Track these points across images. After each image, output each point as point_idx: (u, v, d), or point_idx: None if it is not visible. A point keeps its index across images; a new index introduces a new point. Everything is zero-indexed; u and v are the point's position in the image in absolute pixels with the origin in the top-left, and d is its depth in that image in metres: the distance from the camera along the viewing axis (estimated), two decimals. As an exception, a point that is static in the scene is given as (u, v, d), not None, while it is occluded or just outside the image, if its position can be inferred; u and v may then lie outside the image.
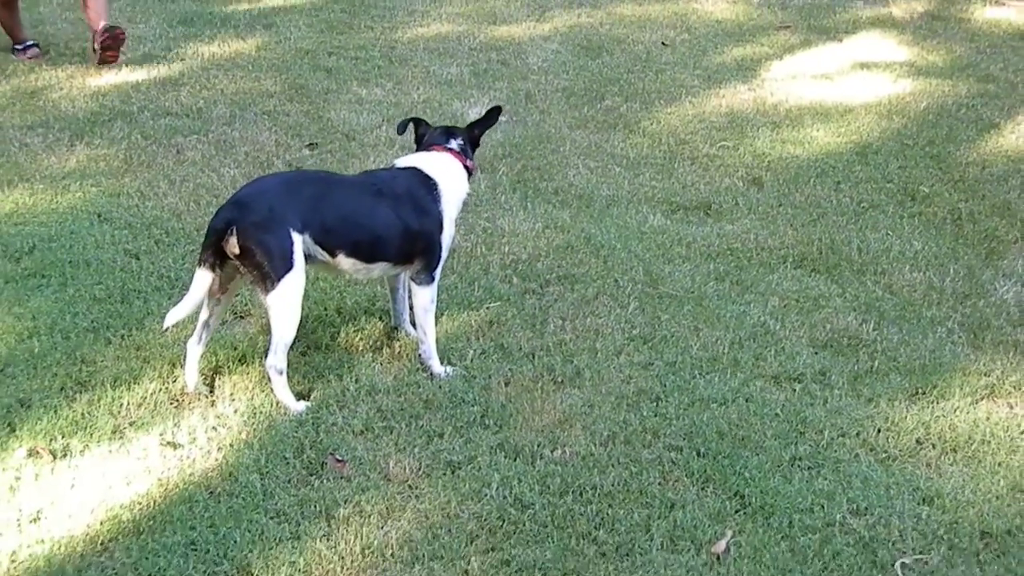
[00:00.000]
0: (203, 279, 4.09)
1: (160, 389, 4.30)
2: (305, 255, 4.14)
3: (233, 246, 4.01)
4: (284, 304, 4.09)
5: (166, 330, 4.30)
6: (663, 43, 8.53)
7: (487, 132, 4.77)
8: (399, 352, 4.58)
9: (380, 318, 4.78)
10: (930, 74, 8.03)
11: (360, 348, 4.60)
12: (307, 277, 4.15)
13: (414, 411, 4.21)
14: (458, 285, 5.06)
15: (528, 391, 4.34)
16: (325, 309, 4.83)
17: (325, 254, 4.25)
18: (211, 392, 4.30)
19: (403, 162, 4.53)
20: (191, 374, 4.30)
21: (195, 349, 4.30)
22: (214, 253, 4.08)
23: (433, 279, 4.39)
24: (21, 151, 6.35)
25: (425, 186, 4.39)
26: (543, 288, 5.08)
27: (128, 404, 4.20)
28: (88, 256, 5.23)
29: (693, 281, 5.17)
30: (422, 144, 4.63)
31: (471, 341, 4.65)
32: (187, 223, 5.56)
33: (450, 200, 4.40)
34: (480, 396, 4.29)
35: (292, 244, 4.07)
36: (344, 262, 4.32)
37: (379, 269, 4.40)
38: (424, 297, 4.39)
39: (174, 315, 4.13)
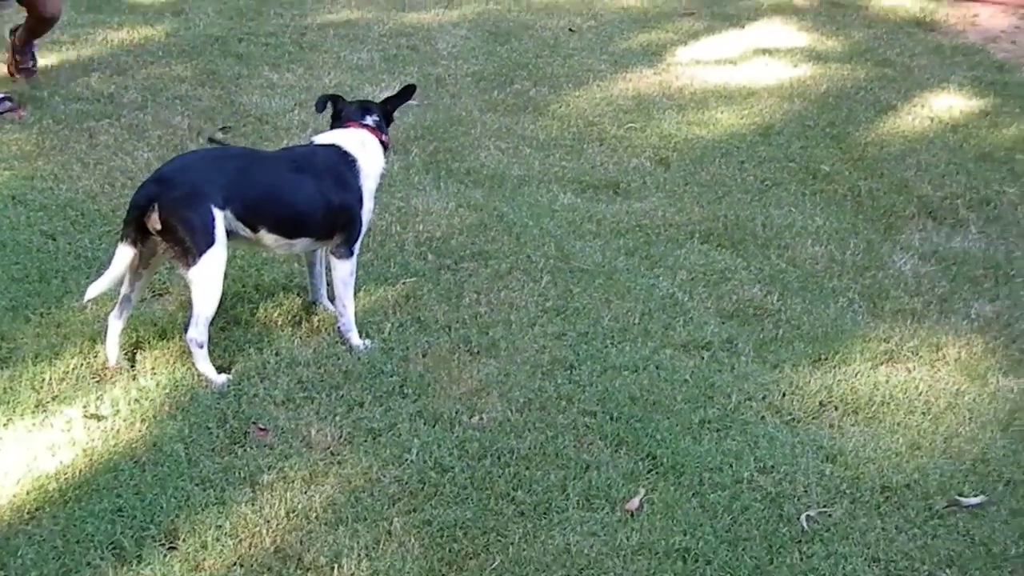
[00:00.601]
0: (124, 254, 4.14)
1: (81, 364, 4.34)
2: (227, 231, 4.21)
3: (155, 222, 4.07)
4: (205, 279, 4.16)
5: (86, 304, 4.37)
6: (570, 29, 8.67)
7: (400, 110, 4.86)
8: (317, 327, 4.66)
9: (298, 294, 4.86)
10: (829, 59, 8.25)
11: (279, 323, 4.67)
12: (228, 253, 4.21)
13: (334, 382, 4.30)
14: (374, 262, 5.15)
15: (445, 361, 4.45)
16: (243, 286, 4.90)
17: (247, 230, 4.33)
18: (132, 366, 4.35)
19: (322, 139, 4.61)
20: (112, 348, 4.35)
21: (116, 324, 4.35)
22: (136, 229, 4.13)
23: (352, 253, 4.49)
24: (-69, 136, 6.33)
25: (345, 162, 4.48)
26: (457, 264, 5.18)
27: (50, 379, 4.24)
28: (4, 238, 5.24)
29: (603, 256, 5.31)
30: (340, 120, 4.72)
31: (388, 315, 4.74)
32: (102, 204, 5.59)
33: (369, 175, 4.50)
34: (399, 367, 4.39)
35: (214, 220, 4.14)
36: (267, 237, 4.40)
37: (301, 244, 4.48)
38: (344, 270, 4.49)
39: (94, 289, 4.18)
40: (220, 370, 4.32)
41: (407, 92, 4.80)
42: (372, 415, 4.12)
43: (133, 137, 6.42)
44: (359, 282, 4.76)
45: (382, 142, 4.62)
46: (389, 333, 4.62)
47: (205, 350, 4.28)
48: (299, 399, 4.20)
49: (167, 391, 4.20)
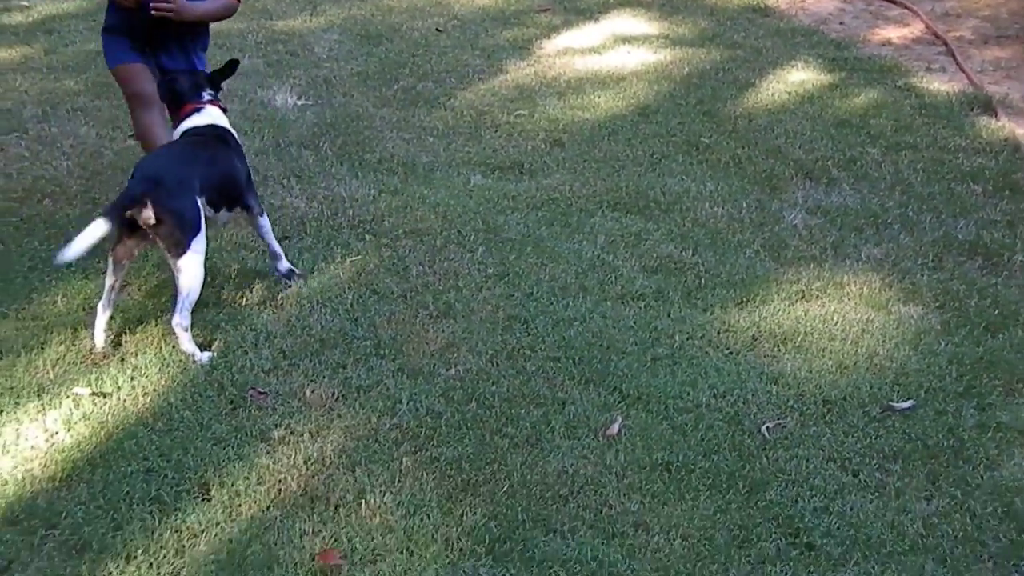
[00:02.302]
0: (99, 227, 4.21)
1: (70, 350, 4.60)
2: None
3: (149, 217, 4.36)
4: (194, 265, 4.48)
5: (63, 264, 4.65)
6: (437, 29, 9.06)
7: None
8: (281, 303, 4.98)
9: (256, 276, 5.17)
10: (684, 44, 8.81)
11: (246, 302, 4.98)
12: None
13: (312, 349, 4.64)
14: (316, 246, 5.49)
15: (410, 324, 4.83)
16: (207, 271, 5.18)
17: (211, 211, 4.68)
18: (117, 348, 4.63)
19: (202, 120, 4.97)
20: (99, 334, 4.63)
21: (103, 312, 4.63)
22: (122, 223, 4.41)
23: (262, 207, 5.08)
24: None
25: (231, 136, 5.01)
26: (395, 242, 5.55)
27: (43, 365, 4.50)
28: (-49, 246, 5.43)
29: (527, 227, 5.73)
30: (183, 99, 5.04)
31: (345, 290, 5.09)
32: (40, 209, 5.81)
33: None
34: (368, 332, 4.76)
35: (199, 210, 4.48)
36: (223, 216, 4.80)
37: (233, 216, 4.99)
38: (267, 221, 5.07)
39: (68, 253, 4.17)
40: (202, 348, 4.62)
41: (232, 66, 5.21)
42: (357, 374, 4.48)
43: (45, 148, 6.62)
44: (308, 265, 5.16)
45: (224, 111, 5.11)
46: (351, 304, 4.98)
47: (189, 333, 4.58)
48: (285, 366, 4.53)
49: (159, 368, 4.49)
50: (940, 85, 8.05)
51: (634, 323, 4.88)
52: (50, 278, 5.14)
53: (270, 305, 4.97)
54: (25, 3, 9.67)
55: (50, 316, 4.84)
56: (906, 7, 10.06)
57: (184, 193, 4.47)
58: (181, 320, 4.55)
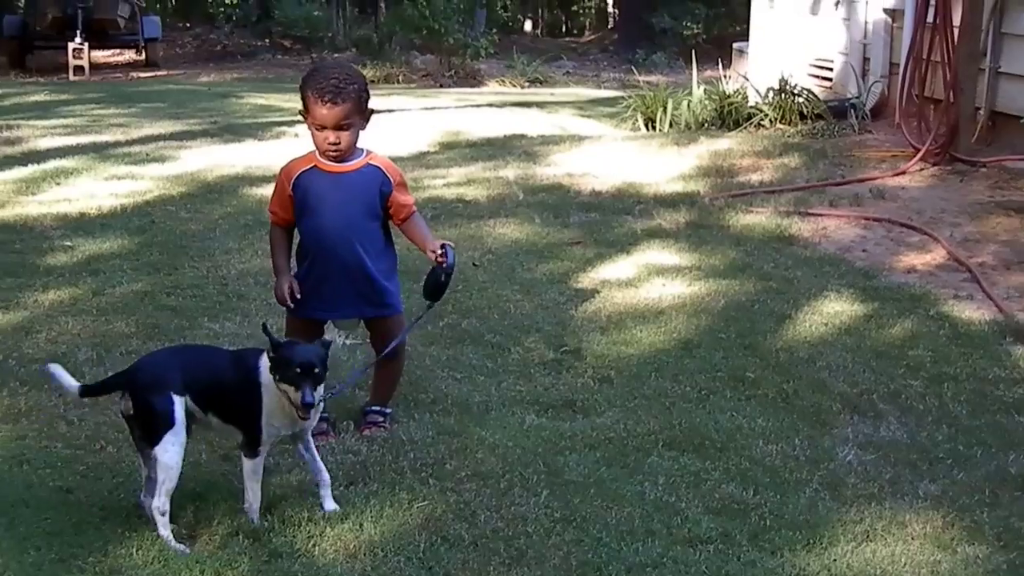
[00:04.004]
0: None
1: (151, 604, 4.65)
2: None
3: (128, 408, 5.05)
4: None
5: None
6: (473, 264, 9.27)
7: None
8: (355, 552, 5.04)
9: (327, 522, 5.24)
10: (716, 276, 9.02)
11: (319, 550, 5.04)
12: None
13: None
14: (382, 491, 5.57)
15: (484, 574, 4.89)
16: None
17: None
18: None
19: None
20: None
21: (148, 500, 5.05)
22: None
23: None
24: (-97, 406, 6.54)
25: None
26: (459, 486, 5.63)
27: (126, 622, 4.54)
28: (22, 496, 5.50)
29: (587, 468, 5.82)
30: None
31: (415, 536, 5.15)
32: (104, 456, 5.90)
33: None
34: (444, 583, 4.81)
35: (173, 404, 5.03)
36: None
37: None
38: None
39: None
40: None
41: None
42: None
43: (103, 393, 6.72)
44: (359, 515, 5.32)
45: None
46: (424, 552, 5.04)
47: (167, 517, 4.94)
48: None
49: None
50: (971, 313, 8.24)
51: (705, 569, 4.94)
52: (123, 529, 5.20)
53: (344, 553, 5.03)
54: (68, 242, 9.91)
55: (127, 569, 4.90)
56: (926, 233, 10.31)
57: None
58: (159, 504, 4.99)
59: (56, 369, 5.15)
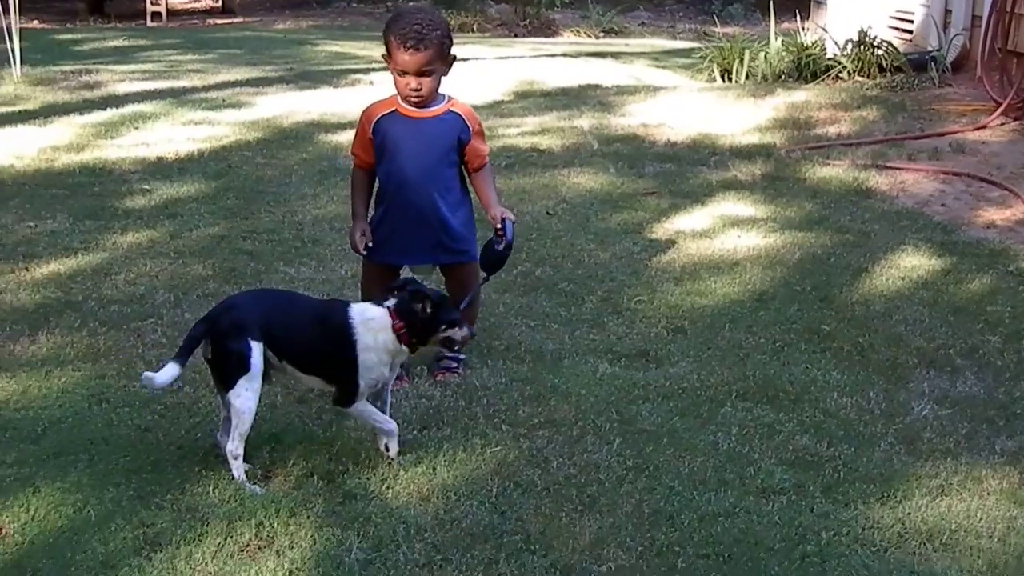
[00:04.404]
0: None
1: (227, 542, 4.71)
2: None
3: (206, 352, 5.08)
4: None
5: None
6: (548, 213, 9.27)
7: None
8: (428, 495, 5.08)
9: (400, 467, 5.27)
10: (792, 227, 8.95)
11: (393, 493, 5.08)
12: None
13: (464, 544, 4.71)
14: (455, 435, 5.60)
15: (556, 519, 4.91)
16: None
17: None
18: (271, 542, 4.73)
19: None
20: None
21: (224, 439, 5.15)
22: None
23: None
24: (-14, 345, 6.65)
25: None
26: (532, 432, 5.65)
27: (203, 557, 4.61)
28: (102, 434, 5.60)
29: (660, 417, 5.82)
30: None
31: (488, 482, 5.18)
32: (181, 397, 5.97)
33: None
34: (517, 527, 4.83)
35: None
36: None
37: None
38: None
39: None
40: (352, 549, 4.70)
41: None
42: (510, 570, 4.54)
43: (181, 335, 6.71)
44: (447, 460, 5.37)
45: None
46: (496, 497, 5.06)
47: (240, 460, 5.04)
48: (439, 561, 4.61)
49: (315, 562, 4.59)
50: (1052, 270, 8.13)
51: (778, 519, 4.92)
52: (200, 468, 5.27)
53: (416, 496, 5.06)
54: (146, 186, 10.01)
55: (204, 507, 4.96)
56: (1007, 189, 10.16)
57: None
58: (233, 448, 5.09)
59: (147, 375, 5.10)
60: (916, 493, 5.18)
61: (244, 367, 5.06)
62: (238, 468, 5.10)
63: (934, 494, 5.18)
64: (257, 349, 5.09)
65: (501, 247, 6.01)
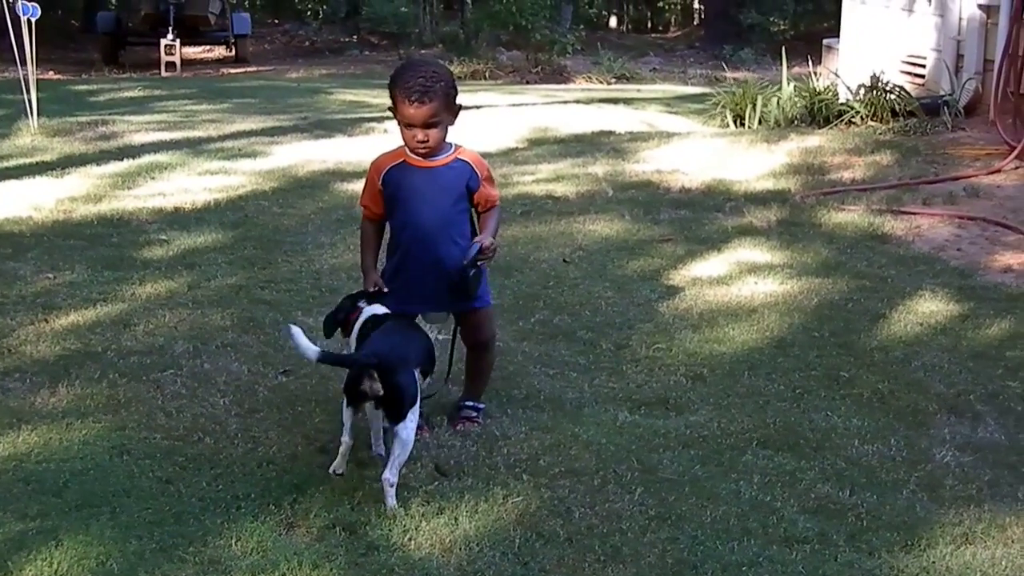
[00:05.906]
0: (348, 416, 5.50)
1: (252, 595, 4.71)
2: None
3: (376, 389, 5.25)
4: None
5: (340, 474, 5.49)
6: (564, 260, 9.29)
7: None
8: (450, 545, 5.06)
9: (423, 518, 5.27)
10: (809, 274, 8.96)
11: (415, 544, 5.07)
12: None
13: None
14: (476, 486, 5.59)
15: (579, 570, 4.91)
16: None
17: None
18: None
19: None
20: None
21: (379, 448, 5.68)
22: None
23: None
24: (6, 396, 6.65)
25: None
26: (553, 482, 5.64)
27: (227, 611, 4.61)
28: (124, 486, 5.60)
29: (682, 466, 5.81)
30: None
31: (510, 532, 5.18)
32: (203, 448, 5.97)
33: None
34: (541, 578, 4.83)
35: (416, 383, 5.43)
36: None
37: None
38: None
39: (339, 464, 5.56)
40: None
41: None
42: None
43: (201, 386, 6.82)
44: (461, 506, 5.39)
45: None
46: (519, 547, 5.06)
47: (395, 489, 5.27)
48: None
49: None
50: (1070, 314, 8.12)
51: (803, 569, 4.92)
52: (223, 520, 5.27)
53: (439, 547, 5.06)
54: (164, 236, 10.05)
55: (227, 559, 4.96)
56: (1022, 232, 10.16)
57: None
58: (390, 477, 5.30)
59: (296, 331, 5.30)
60: (940, 541, 5.16)
61: (414, 399, 5.37)
62: (392, 496, 5.31)
63: (958, 542, 5.16)
64: (420, 379, 5.54)
65: (458, 274, 5.97)
